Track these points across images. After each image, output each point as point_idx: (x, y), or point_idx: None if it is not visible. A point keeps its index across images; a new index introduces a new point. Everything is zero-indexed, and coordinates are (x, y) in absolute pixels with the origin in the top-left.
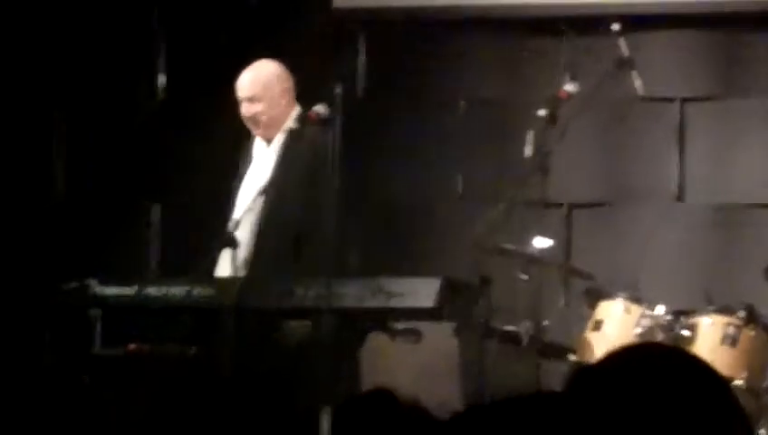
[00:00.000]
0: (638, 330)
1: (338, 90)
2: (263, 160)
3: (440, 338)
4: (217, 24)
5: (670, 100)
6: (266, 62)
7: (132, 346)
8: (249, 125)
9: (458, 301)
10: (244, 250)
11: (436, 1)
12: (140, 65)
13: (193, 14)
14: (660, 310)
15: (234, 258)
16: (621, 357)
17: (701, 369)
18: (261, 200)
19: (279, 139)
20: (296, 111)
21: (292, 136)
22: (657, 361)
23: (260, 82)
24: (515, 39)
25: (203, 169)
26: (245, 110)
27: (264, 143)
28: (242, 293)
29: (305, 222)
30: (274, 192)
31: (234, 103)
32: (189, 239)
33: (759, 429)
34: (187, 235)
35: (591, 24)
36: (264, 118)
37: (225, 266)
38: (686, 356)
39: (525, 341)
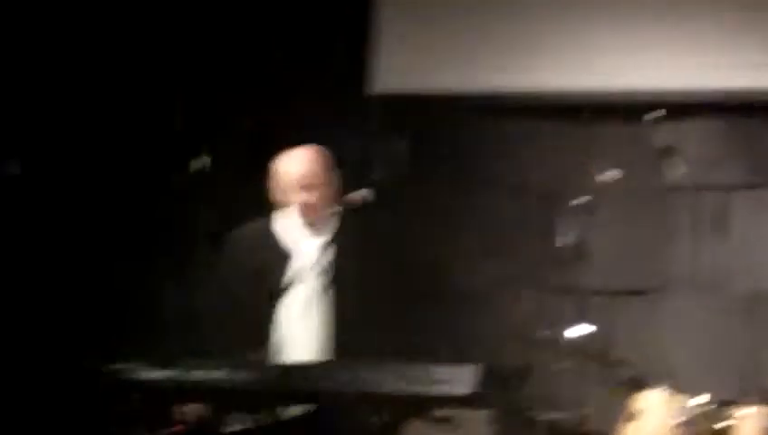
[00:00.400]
0: (679, 419)
1: (380, 174)
2: (311, 247)
3: (478, 426)
4: (257, 108)
5: (710, 188)
6: (316, 148)
7: (175, 429)
8: (303, 214)
9: (497, 388)
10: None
11: (477, 87)
12: (180, 145)
13: (231, 95)
14: (701, 400)
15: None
16: None
17: None
18: (317, 283)
19: (329, 225)
20: (340, 196)
21: (344, 222)
22: None
23: (316, 169)
24: (555, 126)
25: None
26: (301, 197)
27: (307, 230)
28: (284, 377)
29: (356, 307)
30: (336, 278)
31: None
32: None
33: None
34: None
35: (631, 111)
36: (318, 205)
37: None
38: None
39: (565, 430)
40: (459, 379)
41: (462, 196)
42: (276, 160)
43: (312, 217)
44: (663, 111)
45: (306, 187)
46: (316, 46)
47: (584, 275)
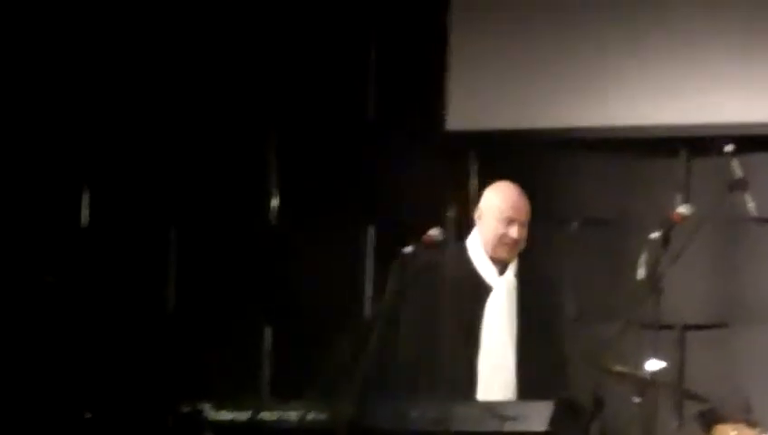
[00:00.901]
0: None
1: (452, 213)
2: (504, 283)
3: None
4: (331, 145)
5: None
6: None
7: None
8: (501, 249)
9: (572, 424)
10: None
11: (547, 123)
12: (254, 187)
13: (306, 134)
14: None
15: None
16: None
17: None
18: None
19: (514, 264)
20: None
21: (521, 262)
22: None
23: (526, 206)
24: (628, 159)
25: (313, 294)
26: (514, 232)
27: (496, 269)
28: (356, 416)
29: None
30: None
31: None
32: (301, 363)
33: None
34: (298, 358)
35: (705, 144)
36: (520, 242)
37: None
38: None
39: None
40: (534, 415)
41: (535, 230)
42: (487, 189)
43: (508, 254)
44: (732, 146)
45: (514, 221)
46: (397, 84)
47: (657, 308)
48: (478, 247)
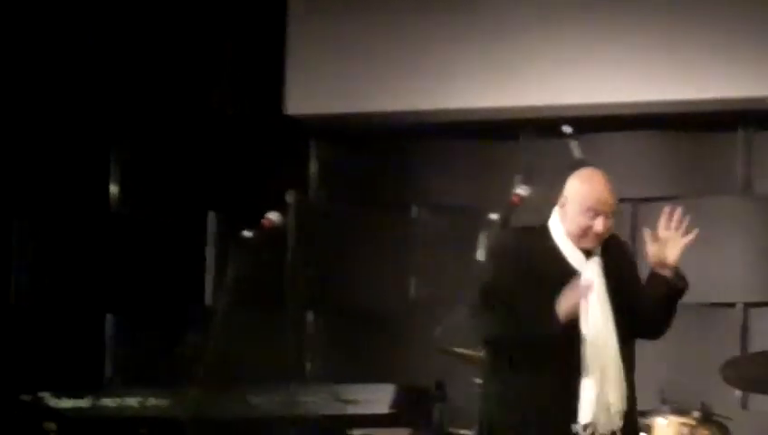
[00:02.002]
0: None
1: (290, 198)
2: (592, 269)
3: None
4: (172, 132)
5: (624, 200)
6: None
7: None
8: (585, 240)
9: (414, 407)
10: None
11: (388, 107)
12: (94, 175)
13: (148, 121)
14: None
15: None
16: None
17: None
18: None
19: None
20: None
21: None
22: None
23: (613, 198)
24: (470, 143)
25: (155, 280)
26: (600, 226)
27: (583, 256)
28: (198, 403)
29: None
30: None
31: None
32: (143, 350)
33: None
34: (141, 345)
35: (545, 127)
36: (604, 234)
37: None
38: None
39: None
40: (376, 398)
41: (375, 215)
42: (573, 176)
43: (592, 245)
44: (571, 128)
45: (600, 214)
46: (233, 70)
47: None
48: (562, 235)
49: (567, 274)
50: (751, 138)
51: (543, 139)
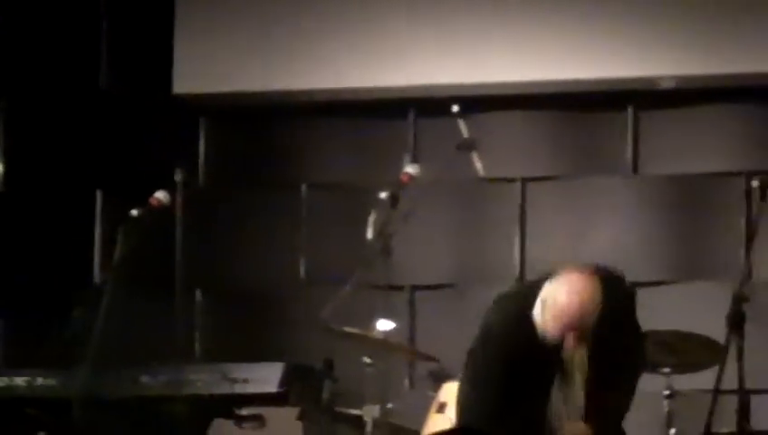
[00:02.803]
0: None
1: (178, 177)
2: None
3: (285, 423)
4: (60, 111)
5: (511, 180)
6: (591, 281)
7: None
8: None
9: (303, 385)
10: None
11: (277, 86)
12: None
13: (35, 100)
14: None
15: None
16: None
17: None
18: None
19: None
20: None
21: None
22: None
23: (588, 314)
24: (358, 122)
25: (42, 259)
26: (562, 335)
27: None
28: (86, 383)
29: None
30: None
31: None
32: (31, 330)
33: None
34: (29, 326)
35: (434, 106)
36: (574, 345)
37: None
38: None
39: (370, 424)
40: (264, 377)
41: (264, 195)
42: (557, 280)
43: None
44: (458, 107)
45: (571, 328)
46: (122, 47)
47: (387, 269)
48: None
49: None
50: (639, 118)
51: (432, 118)
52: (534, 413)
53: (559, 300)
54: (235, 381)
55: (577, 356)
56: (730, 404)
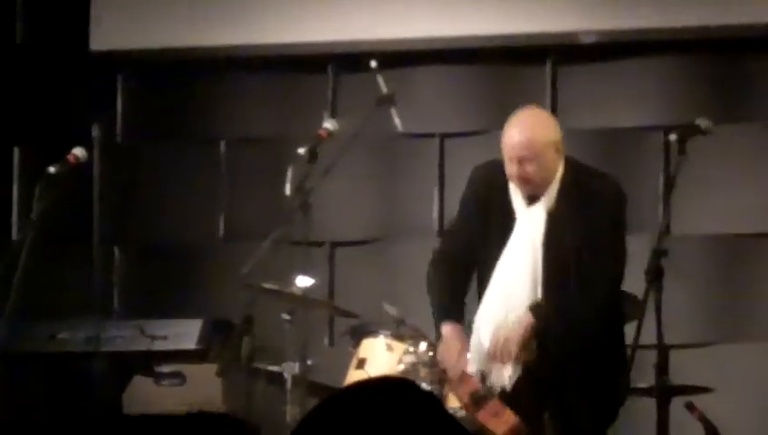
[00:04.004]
0: (401, 367)
1: (96, 132)
2: (532, 217)
3: (204, 380)
4: None
5: (430, 135)
6: (539, 112)
7: None
8: (516, 184)
9: (222, 342)
10: None
11: (195, 41)
12: None
13: None
14: (423, 346)
15: None
16: (357, 390)
17: (426, 399)
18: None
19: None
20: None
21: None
22: (386, 392)
23: (533, 139)
24: (277, 77)
25: None
26: (514, 170)
27: (523, 201)
28: (4, 338)
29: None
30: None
31: None
32: None
33: None
34: None
35: (353, 61)
36: (533, 179)
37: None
38: (415, 388)
39: (290, 381)
40: (183, 334)
41: (182, 151)
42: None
43: (523, 189)
44: (377, 62)
45: (521, 159)
46: (38, 2)
47: (306, 225)
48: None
49: (507, 215)
50: (558, 72)
51: (351, 73)
52: (491, 254)
53: (506, 129)
54: (153, 337)
55: None
56: (649, 358)
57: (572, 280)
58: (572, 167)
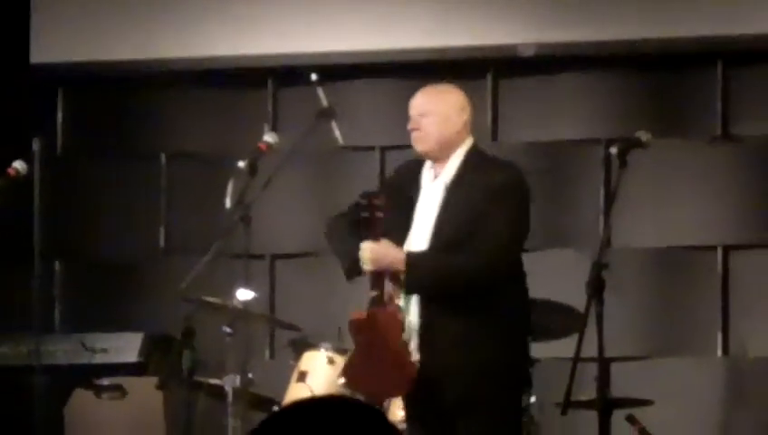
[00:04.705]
0: (342, 380)
1: (36, 146)
2: (430, 189)
3: (145, 393)
4: None
5: (371, 148)
6: (449, 87)
7: None
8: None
9: (162, 355)
10: None
11: (136, 55)
12: None
13: None
14: None
15: None
16: (302, 406)
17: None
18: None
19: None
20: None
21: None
22: (333, 410)
23: (425, 99)
24: (218, 91)
25: None
26: (409, 125)
27: (431, 177)
28: None
29: None
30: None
31: None
32: None
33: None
34: None
35: (293, 75)
36: (417, 134)
37: None
38: (358, 405)
39: (231, 394)
40: (124, 347)
41: (122, 165)
42: None
43: (418, 147)
44: (317, 75)
45: (420, 115)
46: None
47: (246, 238)
48: None
49: (415, 190)
50: (499, 85)
51: (291, 86)
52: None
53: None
54: (94, 350)
55: None
56: (590, 372)
57: (460, 246)
58: (479, 152)
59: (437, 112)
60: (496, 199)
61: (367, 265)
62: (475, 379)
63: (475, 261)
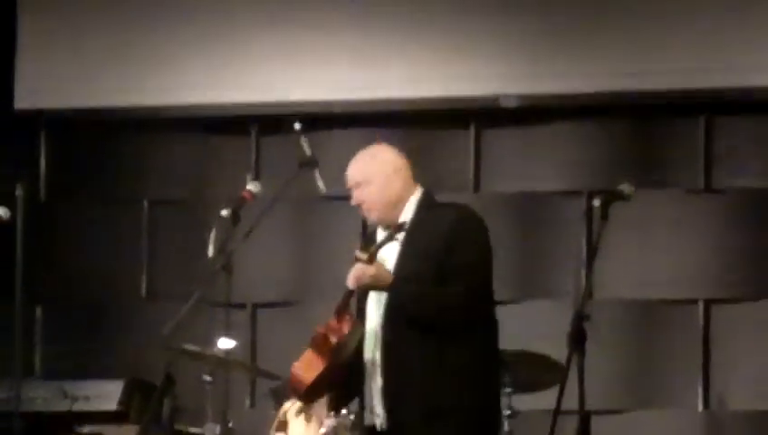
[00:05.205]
0: (323, 430)
1: (19, 191)
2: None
3: None
4: None
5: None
6: (379, 148)
7: None
8: None
9: (143, 403)
10: None
11: (119, 101)
12: None
13: None
14: (343, 410)
15: None
16: None
17: None
18: None
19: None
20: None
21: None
22: None
23: (358, 168)
24: (201, 138)
25: None
26: (351, 201)
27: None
28: None
29: None
30: None
31: None
32: None
33: None
34: None
35: (277, 123)
36: (362, 206)
37: None
38: None
39: None
40: (104, 394)
41: (105, 211)
42: None
43: (372, 217)
44: (301, 124)
45: (355, 188)
46: None
47: (228, 287)
48: None
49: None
50: (481, 135)
51: (275, 135)
52: None
53: None
54: (74, 398)
55: None
56: (570, 424)
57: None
58: (431, 197)
59: (372, 180)
60: (458, 231)
61: (349, 282)
62: (430, 421)
63: (454, 289)
